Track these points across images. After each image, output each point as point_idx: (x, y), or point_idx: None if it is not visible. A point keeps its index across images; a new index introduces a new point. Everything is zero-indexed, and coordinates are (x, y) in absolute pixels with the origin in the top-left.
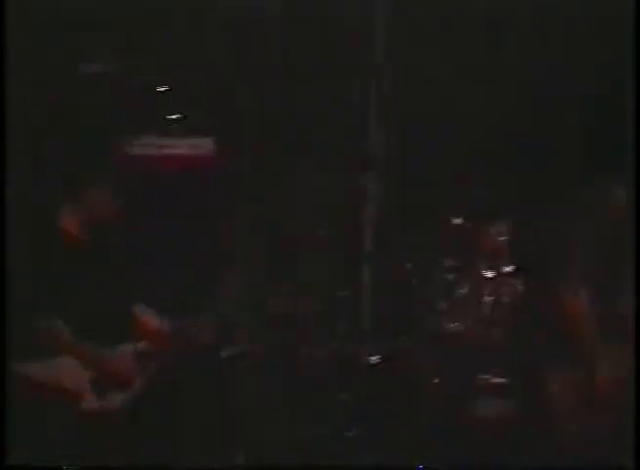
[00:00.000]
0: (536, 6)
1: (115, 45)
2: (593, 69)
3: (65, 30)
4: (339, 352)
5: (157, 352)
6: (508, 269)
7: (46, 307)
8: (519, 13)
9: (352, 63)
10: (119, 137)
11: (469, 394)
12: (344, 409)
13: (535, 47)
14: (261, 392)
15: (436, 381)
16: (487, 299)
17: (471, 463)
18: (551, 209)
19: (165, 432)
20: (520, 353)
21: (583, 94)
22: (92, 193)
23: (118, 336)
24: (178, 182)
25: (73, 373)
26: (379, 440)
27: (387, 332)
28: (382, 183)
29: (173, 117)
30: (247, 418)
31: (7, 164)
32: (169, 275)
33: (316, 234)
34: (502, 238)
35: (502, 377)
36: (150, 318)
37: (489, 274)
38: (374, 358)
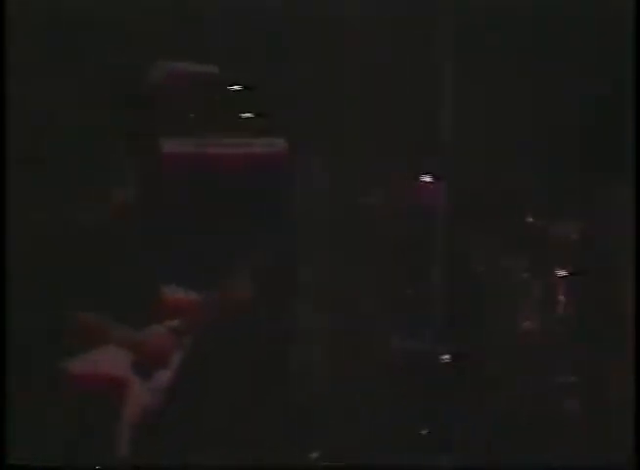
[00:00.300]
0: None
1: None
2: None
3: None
4: (411, 351)
5: (192, 328)
6: (579, 269)
7: (78, 301)
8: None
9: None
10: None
11: (542, 393)
12: (417, 408)
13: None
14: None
15: (509, 380)
16: (561, 298)
17: (544, 462)
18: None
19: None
20: (592, 353)
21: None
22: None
23: (153, 318)
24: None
25: (116, 360)
26: (451, 439)
27: (460, 331)
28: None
29: (247, 115)
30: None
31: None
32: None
33: (392, 234)
34: (573, 236)
35: (576, 376)
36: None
37: (562, 273)
38: (446, 357)
